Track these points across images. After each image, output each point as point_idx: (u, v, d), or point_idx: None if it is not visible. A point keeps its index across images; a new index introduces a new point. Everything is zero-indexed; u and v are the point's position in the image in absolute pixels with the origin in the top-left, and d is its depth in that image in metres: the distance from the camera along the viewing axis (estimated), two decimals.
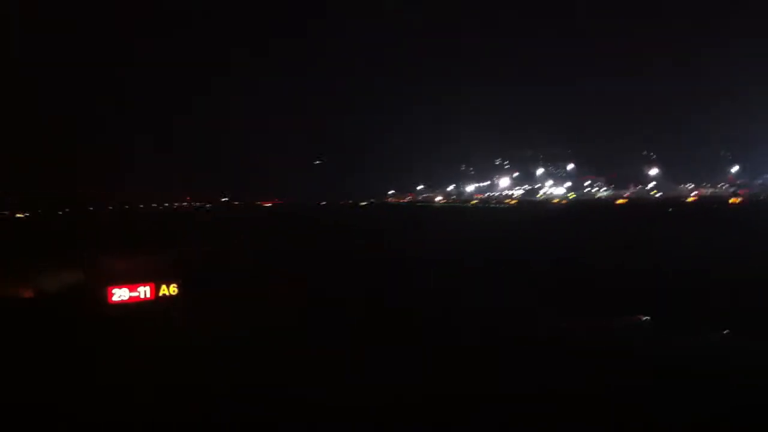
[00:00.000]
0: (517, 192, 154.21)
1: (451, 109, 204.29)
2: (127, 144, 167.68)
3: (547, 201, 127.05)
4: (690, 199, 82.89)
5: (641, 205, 76.54)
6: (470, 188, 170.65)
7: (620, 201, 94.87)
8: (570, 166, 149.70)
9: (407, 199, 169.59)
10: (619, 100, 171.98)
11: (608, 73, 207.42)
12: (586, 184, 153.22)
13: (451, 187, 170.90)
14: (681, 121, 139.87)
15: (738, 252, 23.53)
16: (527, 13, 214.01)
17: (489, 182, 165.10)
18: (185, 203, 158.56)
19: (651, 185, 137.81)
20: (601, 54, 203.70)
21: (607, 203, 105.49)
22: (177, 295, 13.39)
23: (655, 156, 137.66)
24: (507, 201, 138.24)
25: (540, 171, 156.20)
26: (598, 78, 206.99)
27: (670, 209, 58.42)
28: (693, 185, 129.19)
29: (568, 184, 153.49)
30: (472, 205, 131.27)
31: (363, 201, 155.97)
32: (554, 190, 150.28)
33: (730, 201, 78.63)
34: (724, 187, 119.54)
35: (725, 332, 8.57)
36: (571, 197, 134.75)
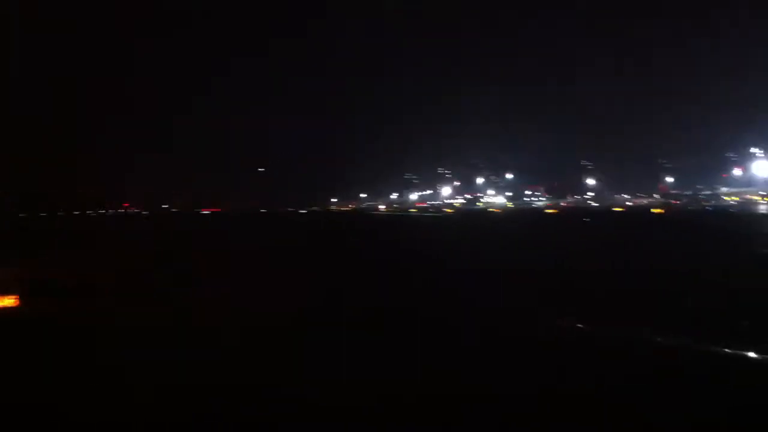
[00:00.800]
0: (459, 201, 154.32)
1: (393, 118, 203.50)
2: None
3: (485, 210, 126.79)
4: (617, 209, 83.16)
5: (570, 214, 76.75)
6: (414, 196, 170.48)
7: (550, 210, 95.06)
8: (509, 176, 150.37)
9: (350, 206, 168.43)
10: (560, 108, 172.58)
11: (547, 82, 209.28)
12: (527, 193, 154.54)
13: (394, 195, 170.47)
14: (621, 132, 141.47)
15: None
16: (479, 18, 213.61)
17: (431, 191, 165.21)
18: (122, 209, 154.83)
19: (589, 195, 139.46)
20: (545, 64, 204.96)
21: (540, 211, 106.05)
22: (15, 306, 12.54)
23: (592, 166, 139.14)
24: (446, 209, 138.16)
25: (481, 180, 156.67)
26: (538, 85, 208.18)
27: (587, 219, 58.15)
28: (629, 195, 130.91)
29: (510, 193, 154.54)
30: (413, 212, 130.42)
31: (305, 209, 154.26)
32: (495, 199, 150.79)
33: (652, 210, 79.21)
34: (655, 197, 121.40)
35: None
36: (509, 206, 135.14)
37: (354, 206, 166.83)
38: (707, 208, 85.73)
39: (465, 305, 12.32)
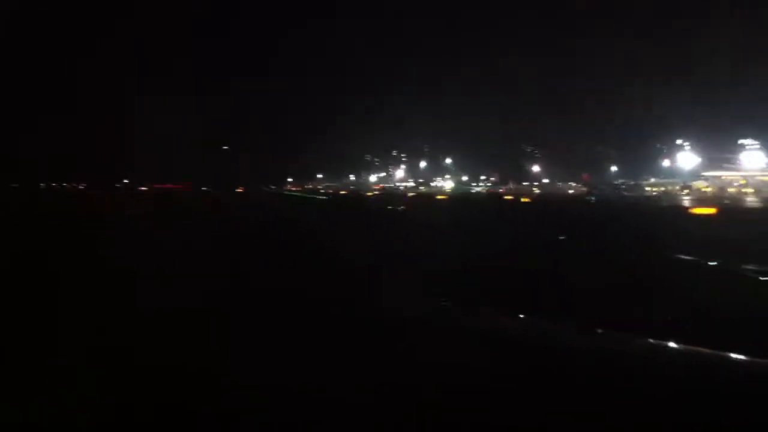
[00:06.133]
0: (410, 184, 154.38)
1: (354, 98, 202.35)
2: None
3: (430, 195, 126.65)
4: (524, 200, 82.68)
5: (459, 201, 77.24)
6: (373, 178, 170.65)
7: (441, 197, 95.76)
8: (448, 161, 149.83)
9: (309, 186, 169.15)
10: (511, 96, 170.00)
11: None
12: (482, 178, 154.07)
13: (351, 177, 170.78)
14: (570, 120, 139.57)
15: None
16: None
17: (385, 174, 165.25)
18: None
19: (532, 182, 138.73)
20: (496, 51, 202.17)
21: (475, 197, 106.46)
22: None
23: (538, 153, 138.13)
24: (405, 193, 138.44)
25: (431, 164, 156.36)
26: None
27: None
28: (566, 183, 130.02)
29: (465, 178, 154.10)
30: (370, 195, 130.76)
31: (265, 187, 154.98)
32: (445, 184, 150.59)
33: (522, 199, 79.13)
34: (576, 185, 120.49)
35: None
36: (450, 191, 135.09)
37: (312, 187, 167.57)
38: (596, 198, 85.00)
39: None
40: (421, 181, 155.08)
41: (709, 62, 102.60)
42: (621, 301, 10.29)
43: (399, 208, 57.68)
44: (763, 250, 17.50)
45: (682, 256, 16.96)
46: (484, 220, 39.78)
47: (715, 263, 15.46)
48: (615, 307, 9.60)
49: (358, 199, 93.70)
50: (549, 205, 69.23)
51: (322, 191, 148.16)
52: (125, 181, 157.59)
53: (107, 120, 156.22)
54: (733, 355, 5.64)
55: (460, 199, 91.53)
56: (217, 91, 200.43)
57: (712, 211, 47.29)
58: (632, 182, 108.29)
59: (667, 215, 43.81)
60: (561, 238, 24.94)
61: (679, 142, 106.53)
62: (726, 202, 70.85)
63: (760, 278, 13.10)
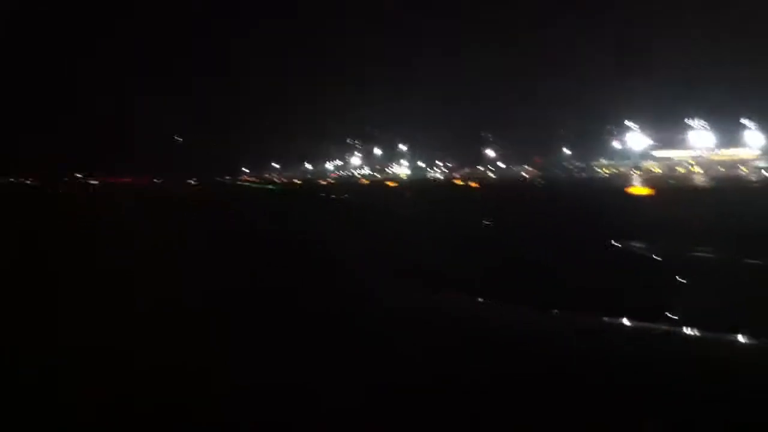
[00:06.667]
0: (367, 172, 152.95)
1: (315, 88, 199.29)
2: None
3: (382, 182, 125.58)
4: (472, 185, 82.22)
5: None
6: (330, 167, 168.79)
7: (391, 183, 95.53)
8: (403, 147, 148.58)
9: (267, 176, 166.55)
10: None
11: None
12: (439, 164, 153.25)
13: (308, 166, 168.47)
14: (520, 104, 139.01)
15: None
16: None
17: (341, 162, 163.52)
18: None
19: (487, 167, 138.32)
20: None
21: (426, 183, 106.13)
22: None
23: (492, 138, 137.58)
24: (360, 180, 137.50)
25: (386, 151, 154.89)
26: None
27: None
28: (520, 167, 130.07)
29: (422, 164, 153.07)
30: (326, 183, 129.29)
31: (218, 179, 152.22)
32: (401, 170, 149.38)
33: (471, 184, 78.91)
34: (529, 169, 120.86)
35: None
36: (405, 177, 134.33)
37: (264, 177, 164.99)
38: (545, 181, 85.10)
39: None
40: (377, 168, 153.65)
41: (658, 45, 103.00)
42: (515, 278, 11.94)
43: (343, 196, 59.22)
44: (667, 229, 18.47)
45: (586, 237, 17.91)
46: (421, 206, 40.73)
47: (619, 244, 16.48)
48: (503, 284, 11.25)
49: (303, 188, 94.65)
50: (493, 189, 69.82)
51: (276, 181, 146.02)
52: (78, 175, 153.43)
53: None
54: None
55: (408, 186, 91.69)
56: (174, 85, 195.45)
57: (649, 191, 47.69)
58: (584, 164, 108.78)
59: (603, 196, 44.04)
60: (487, 223, 26.04)
61: (628, 123, 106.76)
62: (671, 182, 71.40)
63: (652, 256, 14.44)
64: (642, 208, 30.26)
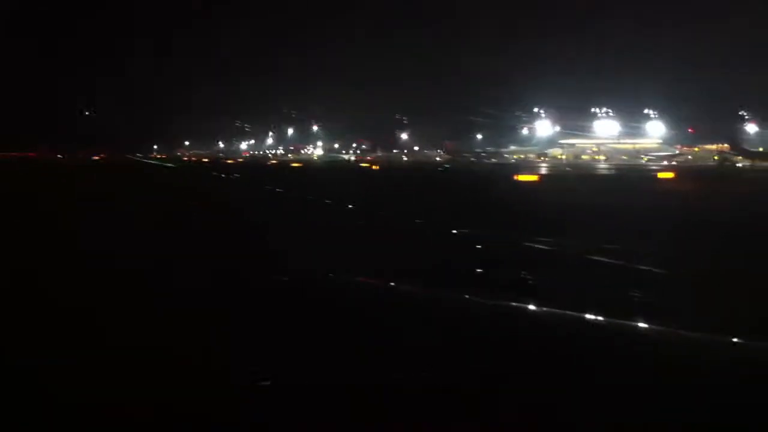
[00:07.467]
0: (280, 152, 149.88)
1: (224, 68, 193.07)
2: None
3: (286, 163, 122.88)
4: (374, 167, 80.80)
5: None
6: (243, 146, 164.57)
7: (296, 164, 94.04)
8: (315, 128, 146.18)
9: (178, 154, 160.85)
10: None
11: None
12: (354, 146, 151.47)
13: (221, 144, 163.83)
14: (434, 88, 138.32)
15: None
16: None
17: (254, 141, 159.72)
18: None
19: (402, 150, 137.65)
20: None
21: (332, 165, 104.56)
22: None
23: (407, 120, 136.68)
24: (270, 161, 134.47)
25: (306, 131, 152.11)
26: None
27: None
28: (433, 151, 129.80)
29: (336, 145, 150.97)
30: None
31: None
32: (315, 152, 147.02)
33: (372, 167, 78.11)
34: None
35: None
36: (317, 159, 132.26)
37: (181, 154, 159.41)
38: (449, 166, 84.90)
39: None
40: (291, 148, 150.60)
41: (565, 34, 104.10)
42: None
43: (233, 175, 60.07)
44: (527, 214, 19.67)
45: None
46: (306, 186, 40.76)
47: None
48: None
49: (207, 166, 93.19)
50: (393, 172, 69.00)
51: (185, 159, 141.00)
52: None
53: None
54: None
55: (314, 167, 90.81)
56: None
57: (534, 178, 47.75)
58: (493, 150, 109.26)
59: (493, 182, 43.88)
60: (349, 206, 25.64)
61: (536, 110, 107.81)
62: (567, 169, 72.11)
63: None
64: (509, 197, 29.54)
